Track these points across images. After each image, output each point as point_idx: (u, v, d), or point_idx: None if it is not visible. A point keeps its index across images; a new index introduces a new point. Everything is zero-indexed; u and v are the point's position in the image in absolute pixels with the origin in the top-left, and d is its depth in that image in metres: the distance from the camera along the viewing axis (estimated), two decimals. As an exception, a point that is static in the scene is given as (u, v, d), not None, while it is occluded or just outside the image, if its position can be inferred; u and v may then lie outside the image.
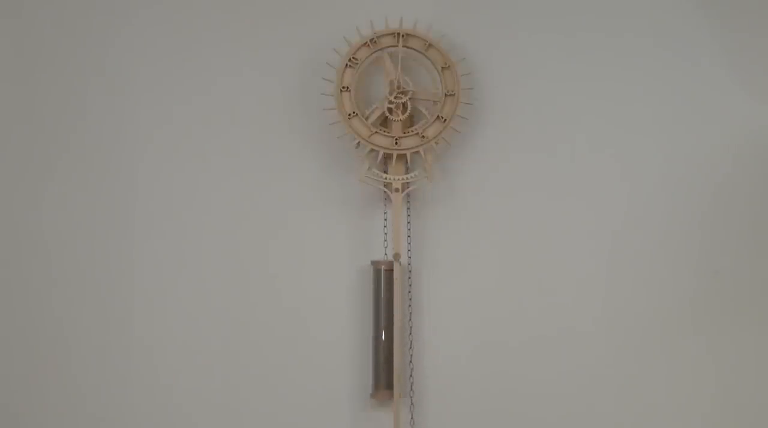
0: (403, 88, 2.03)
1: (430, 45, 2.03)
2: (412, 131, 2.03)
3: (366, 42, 2.03)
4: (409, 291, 2.05)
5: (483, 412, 2.04)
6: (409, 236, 2.06)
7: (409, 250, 2.06)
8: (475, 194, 2.07)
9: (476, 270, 2.06)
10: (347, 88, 2.03)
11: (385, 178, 2.03)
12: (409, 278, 2.05)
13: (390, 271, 2.01)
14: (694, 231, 2.06)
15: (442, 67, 2.03)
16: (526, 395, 2.04)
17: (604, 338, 2.05)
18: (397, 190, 2.02)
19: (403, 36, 2.04)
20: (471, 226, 2.06)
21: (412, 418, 2.03)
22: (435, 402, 2.04)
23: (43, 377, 2.06)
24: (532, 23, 2.09)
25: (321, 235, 2.07)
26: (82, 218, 2.08)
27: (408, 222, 2.06)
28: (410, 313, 2.05)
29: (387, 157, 2.03)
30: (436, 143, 2.03)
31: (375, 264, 2.03)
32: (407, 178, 2.03)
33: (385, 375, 2.00)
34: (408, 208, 2.06)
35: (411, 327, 2.05)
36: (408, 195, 2.05)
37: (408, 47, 2.04)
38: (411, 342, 2.04)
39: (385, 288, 2.01)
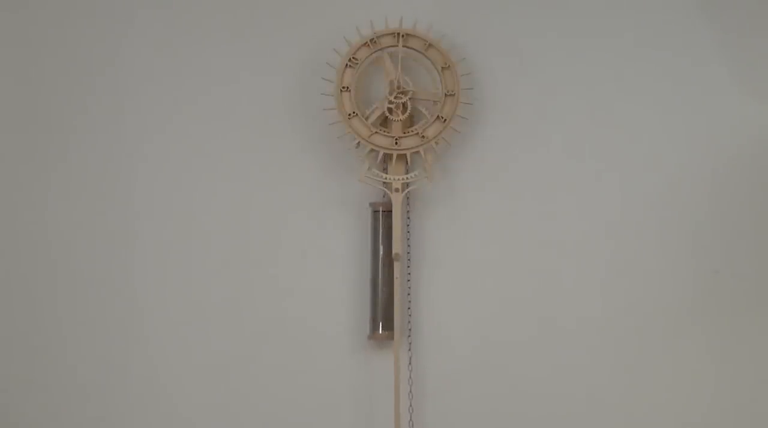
0: (403, 88, 2.02)
1: (430, 45, 2.03)
2: (412, 131, 2.03)
3: (366, 42, 2.03)
4: (409, 291, 2.05)
5: (485, 415, 2.06)
6: (408, 236, 2.06)
7: (408, 250, 2.06)
8: (475, 194, 2.07)
9: (476, 270, 2.06)
10: (347, 88, 2.03)
11: (385, 178, 2.03)
12: (409, 278, 2.05)
13: (388, 213, 2.02)
14: (694, 231, 2.05)
15: (442, 67, 2.03)
16: (526, 395, 2.04)
17: (604, 338, 2.05)
18: (397, 190, 2.02)
19: (403, 36, 2.03)
20: (471, 226, 2.07)
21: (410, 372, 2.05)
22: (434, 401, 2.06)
23: (44, 376, 2.07)
24: (532, 23, 2.09)
25: (320, 235, 2.07)
26: (83, 219, 2.08)
27: (408, 222, 2.06)
28: (409, 313, 2.06)
29: (387, 157, 2.03)
30: (436, 143, 2.03)
31: (373, 205, 2.03)
32: (407, 178, 2.03)
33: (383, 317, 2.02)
34: (408, 208, 2.06)
35: (410, 326, 2.06)
36: (408, 195, 2.05)
37: (408, 47, 2.04)
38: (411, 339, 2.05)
39: (383, 229, 2.02)
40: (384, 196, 2.05)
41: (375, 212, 2.04)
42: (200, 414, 2.07)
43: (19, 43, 2.11)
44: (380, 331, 2.02)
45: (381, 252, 2.03)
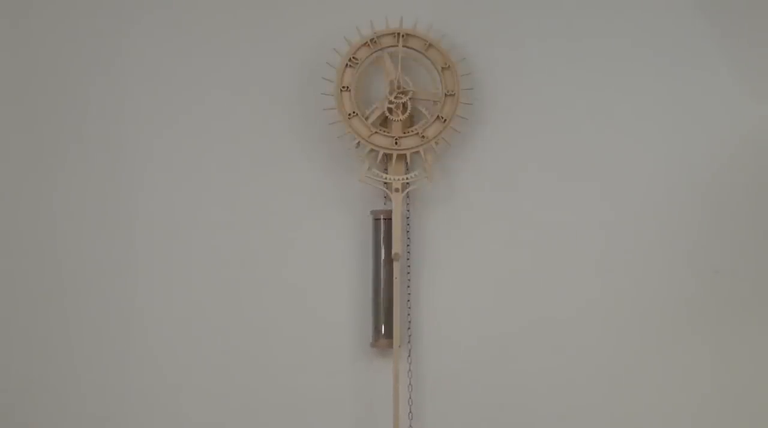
0: (403, 88, 2.02)
1: (430, 45, 2.03)
2: (412, 131, 2.03)
3: (366, 42, 2.03)
4: (409, 294, 2.05)
5: (485, 420, 2.05)
6: (408, 237, 2.06)
7: (408, 251, 2.05)
8: (475, 194, 2.07)
9: (476, 270, 2.06)
10: (347, 87, 2.02)
11: (385, 178, 2.03)
12: (408, 278, 2.05)
13: (389, 220, 2.01)
14: (693, 231, 2.06)
15: (442, 67, 2.03)
16: (526, 398, 2.05)
17: (604, 339, 2.05)
18: (397, 190, 2.02)
19: (403, 36, 2.03)
20: (471, 226, 2.06)
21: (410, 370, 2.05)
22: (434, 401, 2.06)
23: (46, 376, 2.07)
24: (532, 24, 2.09)
25: (321, 235, 2.07)
26: (87, 220, 2.08)
27: (408, 222, 2.05)
28: (409, 319, 2.05)
29: (387, 157, 2.03)
30: (436, 143, 2.03)
31: (374, 213, 2.03)
32: (407, 178, 2.03)
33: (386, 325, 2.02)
34: (408, 208, 2.06)
35: (410, 327, 2.05)
36: (408, 195, 2.05)
37: (408, 47, 2.04)
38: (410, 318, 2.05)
39: (385, 238, 2.02)
40: (385, 203, 2.04)
41: (376, 220, 2.04)
42: (202, 417, 2.06)
43: (23, 44, 2.11)
44: (383, 339, 2.02)
45: (383, 263, 2.02)
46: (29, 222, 2.09)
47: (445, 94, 2.03)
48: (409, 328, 2.05)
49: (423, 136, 2.02)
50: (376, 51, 2.04)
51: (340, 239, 2.06)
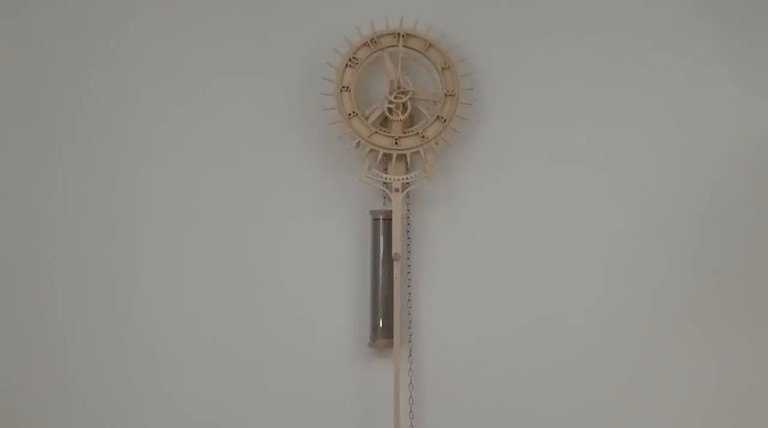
0: (403, 88, 2.03)
1: (430, 45, 2.03)
2: (412, 131, 2.03)
3: (366, 42, 2.03)
4: (409, 294, 2.05)
5: (486, 419, 2.05)
6: (408, 236, 2.06)
7: (408, 250, 2.05)
8: (475, 194, 2.07)
9: (476, 271, 2.06)
10: (347, 87, 2.03)
11: (385, 178, 2.03)
12: (409, 278, 2.05)
13: (388, 220, 2.01)
14: (694, 231, 2.05)
15: (442, 67, 2.03)
16: (527, 398, 2.04)
17: (605, 338, 2.05)
18: (397, 190, 2.02)
19: (403, 36, 2.04)
20: (471, 226, 2.06)
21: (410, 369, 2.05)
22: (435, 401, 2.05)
23: (44, 376, 2.07)
24: (532, 24, 2.09)
25: (320, 236, 2.07)
26: (84, 219, 2.08)
27: (408, 223, 2.05)
28: (409, 319, 2.05)
29: (387, 157, 2.03)
30: (436, 143, 2.03)
31: (373, 213, 2.03)
32: (407, 178, 2.03)
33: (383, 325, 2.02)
34: (408, 208, 2.06)
35: (410, 327, 2.05)
36: (408, 195, 2.05)
37: (408, 47, 2.04)
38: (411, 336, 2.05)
39: (384, 237, 2.02)
40: (384, 203, 2.04)
41: (375, 220, 2.04)
42: (202, 417, 2.06)
43: (19, 40, 2.11)
44: (381, 339, 2.01)
45: (381, 263, 2.02)
46: (27, 216, 2.08)
47: (445, 94, 2.03)
48: (409, 328, 2.05)
49: (423, 136, 2.02)
50: (376, 51, 2.04)
51: (340, 239, 2.06)
